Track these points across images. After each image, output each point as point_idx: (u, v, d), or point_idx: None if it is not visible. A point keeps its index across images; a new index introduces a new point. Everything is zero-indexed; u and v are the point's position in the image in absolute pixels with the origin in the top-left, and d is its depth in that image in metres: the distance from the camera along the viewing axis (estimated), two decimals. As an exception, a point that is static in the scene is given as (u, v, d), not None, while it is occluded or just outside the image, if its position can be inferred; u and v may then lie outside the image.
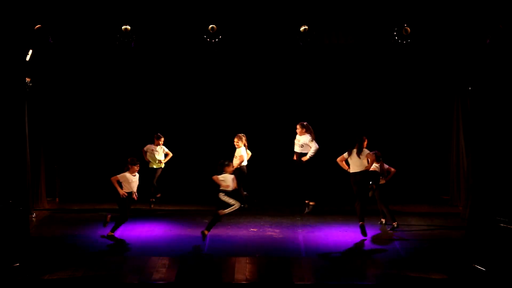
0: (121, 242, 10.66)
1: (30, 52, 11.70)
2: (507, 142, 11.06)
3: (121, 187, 10.83)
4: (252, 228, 11.85)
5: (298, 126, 13.17)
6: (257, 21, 12.13)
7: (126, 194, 10.80)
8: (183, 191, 14.61)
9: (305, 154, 13.04)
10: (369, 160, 11.43)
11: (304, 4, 12.01)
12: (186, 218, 12.65)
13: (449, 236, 11.35)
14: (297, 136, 13.21)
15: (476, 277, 9.17)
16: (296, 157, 13.20)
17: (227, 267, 9.62)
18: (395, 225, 11.76)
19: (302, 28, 11.92)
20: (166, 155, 13.62)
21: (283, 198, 14.19)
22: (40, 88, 13.30)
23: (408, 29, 11.84)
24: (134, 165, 10.92)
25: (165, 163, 13.61)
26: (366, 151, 11.56)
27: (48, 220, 12.51)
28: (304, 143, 13.08)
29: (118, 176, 10.86)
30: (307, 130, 13.10)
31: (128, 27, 11.76)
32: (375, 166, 11.65)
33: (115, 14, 11.84)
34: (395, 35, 11.92)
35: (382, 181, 11.77)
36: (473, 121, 12.21)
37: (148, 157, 13.53)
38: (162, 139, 13.54)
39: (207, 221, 12.29)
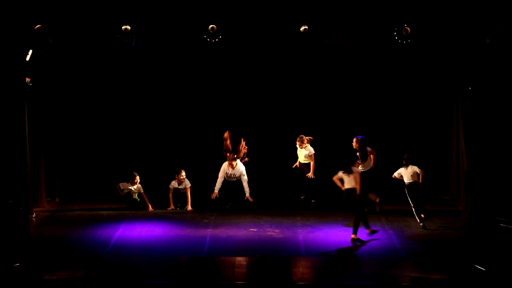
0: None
1: (30, 52, 11.70)
2: (507, 142, 11.06)
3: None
4: (252, 228, 11.83)
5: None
6: (257, 21, 12.13)
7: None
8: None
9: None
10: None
11: (304, 4, 12.01)
12: (186, 218, 12.65)
13: (449, 236, 11.34)
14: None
15: (476, 277, 9.17)
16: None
17: (227, 267, 9.63)
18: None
19: (302, 28, 11.92)
20: (140, 195, 13.42)
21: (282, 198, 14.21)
22: (40, 88, 13.29)
23: (408, 29, 11.84)
24: (354, 164, 11.23)
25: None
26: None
27: (48, 220, 12.51)
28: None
29: (338, 175, 11.18)
30: None
31: (128, 27, 11.77)
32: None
33: (115, 14, 11.85)
34: (395, 35, 11.92)
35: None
36: (473, 121, 12.22)
37: (125, 193, 13.45)
38: (137, 177, 13.39)
39: (206, 221, 12.35)
